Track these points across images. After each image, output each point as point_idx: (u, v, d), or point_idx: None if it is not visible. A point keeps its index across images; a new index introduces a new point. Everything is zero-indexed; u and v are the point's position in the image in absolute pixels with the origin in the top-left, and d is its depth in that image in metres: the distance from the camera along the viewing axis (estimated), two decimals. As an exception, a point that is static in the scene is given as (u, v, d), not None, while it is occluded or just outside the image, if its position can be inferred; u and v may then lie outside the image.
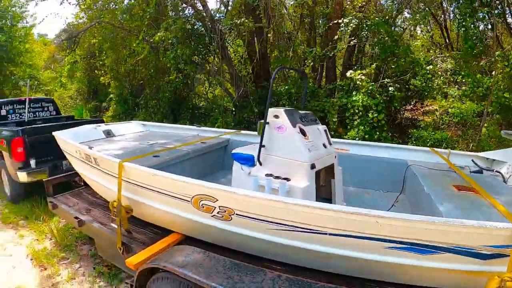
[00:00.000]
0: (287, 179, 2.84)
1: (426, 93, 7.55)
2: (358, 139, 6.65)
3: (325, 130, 3.40)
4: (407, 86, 7.66)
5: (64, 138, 3.95)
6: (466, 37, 6.79)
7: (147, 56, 9.16)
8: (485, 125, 6.77)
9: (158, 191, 2.77)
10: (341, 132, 7.48)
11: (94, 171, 3.48)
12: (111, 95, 12.31)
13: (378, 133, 6.96)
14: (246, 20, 7.51)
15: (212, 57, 9.62)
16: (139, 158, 3.40)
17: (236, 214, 2.35)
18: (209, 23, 8.64)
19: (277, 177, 2.87)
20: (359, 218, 1.96)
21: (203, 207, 2.51)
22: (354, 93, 7.30)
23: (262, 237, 2.32)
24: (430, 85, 7.29)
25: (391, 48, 7.23)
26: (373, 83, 7.19)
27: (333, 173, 3.31)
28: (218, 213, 2.45)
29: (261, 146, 3.01)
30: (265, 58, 9.46)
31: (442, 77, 7.38)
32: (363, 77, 7.15)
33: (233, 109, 9.66)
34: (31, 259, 3.93)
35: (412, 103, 8.81)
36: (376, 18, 7.42)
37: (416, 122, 8.98)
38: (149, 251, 2.76)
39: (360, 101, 6.98)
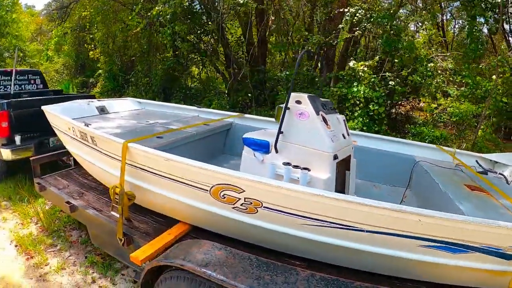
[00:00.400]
0: (307, 169, 2.58)
1: (425, 90, 7.42)
2: (358, 131, 6.44)
3: (344, 120, 3.20)
4: (405, 82, 7.49)
5: (55, 113, 3.49)
6: (471, 39, 6.62)
7: (141, 31, 8.54)
8: (481, 127, 6.69)
9: (169, 178, 2.44)
10: (339, 121, 7.21)
11: (90, 151, 3.08)
12: (100, 71, 11.58)
13: (377, 126, 6.75)
14: (250, 1, 7.03)
15: (207, 37, 9.09)
16: (144, 139, 3.01)
17: (264, 207, 2.11)
18: (208, 2, 8.09)
19: (296, 167, 2.63)
20: (402, 215, 1.85)
21: (224, 197, 2.23)
22: (355, 84, 7.04)
23: (291, 233, 2.12)
24: (429, 82, 7.16)
25: (395, 42, 6.97)
26: (375, 76, 6.95)
27: (348, 165, 3.10)
28: (241, 205, 2.18)
29: (280, 132, 2.72)
30: (263, 42, 9.02)
31: (441, 76, 7.24)
32: (365, 69, 6.89)
33: (226, 91, 9.23)
34: (16, 246, 3.50)
35: (410, 99, 8.64)
36: (383, 11, 7.12)
37: (410, 118, 8.87)
38: (156, 245, 2.45)
39: (362, 92, 6.72)
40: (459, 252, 1.89)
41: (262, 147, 2.88)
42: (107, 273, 3.15)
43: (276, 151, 2.77)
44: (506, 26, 8.35)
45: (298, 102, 2.73)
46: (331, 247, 2.08)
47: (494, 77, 6.34)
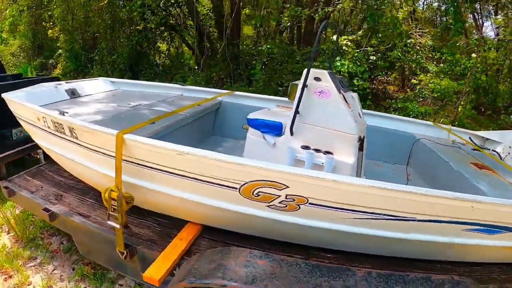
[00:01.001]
0: (330, 153, 2.33)
1: (405, 66, 7.30)
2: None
3: (358, 98, 2.94)
4: (384, 57, 7.25)
5: (20, 101, 2.77)
6: (455, 18, 6.42)
7: (106, 5, 7.49)
8: (461, 103, 6.67)
9: (182, 175, 1.98)
10: (321, 97, 6.85)
11: (69, 145, 2.47)
12: (60, 51, 10.23)
13: (361, 101, 6.49)
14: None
15: (177, 9, 8.21)
16: (140, 127, 2.45)
17: (310, 204, 1.85)
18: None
19: (317, 150, 2.36)
20: (458, 203, 1.81)
21: (258, 195, 1.89)
22: (338, 58, 6.67)
23: (338, 228, 1.92)
24: (409, 58, 7.01)
25: (380, 17, 6.62)
26: (358, 50, 6.63)
27: (362, 145, 2.89)
28: (280, 202, 1.88)
29: (296, 112, 2.37)
30: (236, 14, 8.29)
31: (421, 52, 7.10)
32: (349, 43, 6.54)
33: (195, 67, 8.51)
34: (-11, 264, 2.82)
35: (388, 73, 8.46)
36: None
37: (387, 92, 8.75)
38: (170, 256, 2.02)
39: (346, 67, 6.39)
40: (496, 233, 1.94)
41: (275, 129, 2.53)
42: (102, 286, 2.62)
43: (291, 134, 2.43)
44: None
45: (317, 79, 2.38)
46: (378, 239, 1.94)
47: (474, 55, 6.33)
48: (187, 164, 1.92)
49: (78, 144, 2.37)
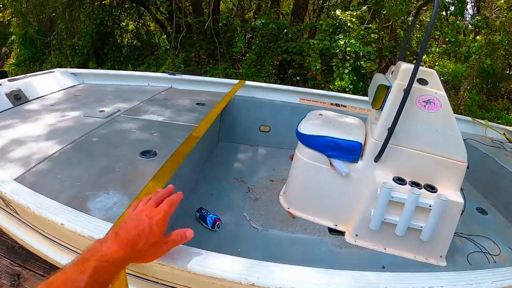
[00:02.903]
0: (432, 188, 1.55)
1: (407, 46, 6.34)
2: (350, 93, 5.14)
3: None
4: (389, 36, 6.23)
5: None
6: None
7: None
8: (467, 87, 5.90)
9: None
10: (320, 80, 5.77)
11: (21, 225, 1.30)
12: (13, 37, 8.05)
13: (364, 84, 5.52)
14: None
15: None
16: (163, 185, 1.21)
17: None
18: None
19: (415, 184, 1.56)
20: None
21: None
22: (340, 36, 5.53)
23: None
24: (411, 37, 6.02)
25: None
26: (363, 28, 5.53)
27: None
28: None
29: (392, 132, 1.48)
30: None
31: (422, 31, 6.16)
32: (353, 20, 5.40)
33: (168, 47, 6.99)
34: None
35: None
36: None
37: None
38: None
39: (353, 46, 5.31)
40: None
41: (351, 152, 1.65)
42: None
43: (376, 160, 1.59)
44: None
45: (423, 81, 1.49)
46: None
47: (478, 37, 5.52)
48: None
49: (40, 230, 1.17)
